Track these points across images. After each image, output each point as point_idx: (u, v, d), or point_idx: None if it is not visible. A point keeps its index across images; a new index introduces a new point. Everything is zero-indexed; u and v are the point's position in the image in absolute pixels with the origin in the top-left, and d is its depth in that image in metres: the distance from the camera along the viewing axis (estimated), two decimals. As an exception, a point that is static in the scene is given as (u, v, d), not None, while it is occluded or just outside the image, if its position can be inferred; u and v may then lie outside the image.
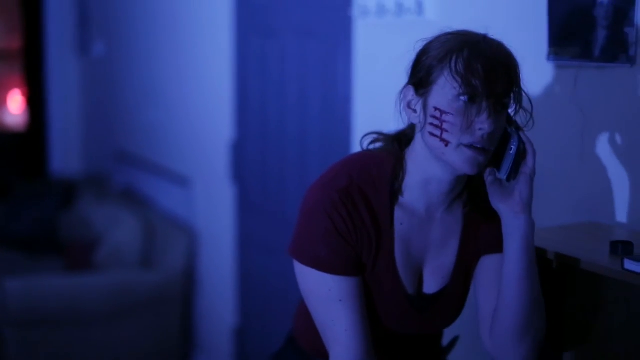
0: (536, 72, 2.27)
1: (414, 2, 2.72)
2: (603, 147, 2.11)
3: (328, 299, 1.75)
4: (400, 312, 1.84)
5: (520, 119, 1.75)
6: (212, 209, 4.55)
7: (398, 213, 1.78)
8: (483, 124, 1.61)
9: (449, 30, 1.72)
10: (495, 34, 2.36)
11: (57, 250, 5.67)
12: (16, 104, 9.23)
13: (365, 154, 1.84)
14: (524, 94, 1.70)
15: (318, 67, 3.44)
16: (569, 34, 2.15)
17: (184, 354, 4.90)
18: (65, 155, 7.18)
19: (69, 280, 4.60)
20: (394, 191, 1.78)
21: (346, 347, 1.74)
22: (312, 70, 3.49)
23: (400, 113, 1.75)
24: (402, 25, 2.81)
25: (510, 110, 1.71)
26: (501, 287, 1.71)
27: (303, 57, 3.55)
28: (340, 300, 1.74)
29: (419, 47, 1.73)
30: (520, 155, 1.68)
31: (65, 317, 4.45)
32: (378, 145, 1.88)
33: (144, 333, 4.63)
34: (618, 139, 2.07)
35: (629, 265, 1.65)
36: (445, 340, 2.18)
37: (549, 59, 2.21)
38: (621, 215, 2.07)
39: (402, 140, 1.82)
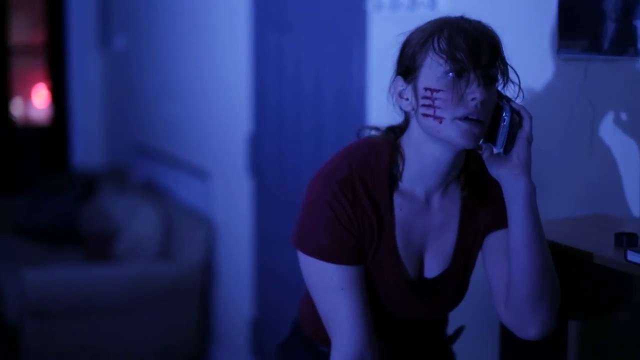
0: (546, 65, 2.28)
1: (427, -5, 2.74)
2: (612, 140, 2.12)
3: (330, 287, 1.78)
4: (402, 297, 1.87)
5: (510, 94, 1.77)
6: (230, 202, 4.58)
7: (397, 199, 1.81)
8: (474, 93, 1.63)
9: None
10: (506, 26, 2.38)
11: (77, 242, 5.73)
12: (41, 98, 9.31)
13: (363, 143, 1.87)
14: (509, 67, 1.72)
15: (333, 61, 3.46)
16: (578, 27, 2.16)
17: (201, 346, 4.93)
18: (87, 149, 7.23)
19: (88, 272, 4.65)
20: (393, 178, 1.80)
21: (347, 335, 1.77)
22: (327, 64, 3.51)
23: (394, 106, 1.78)
24: (415, 19, 2.81)
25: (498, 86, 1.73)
26: (511, 255, 1.72)
27: (319, 51, 3.57)
28: (341, 289, 1.77)
29: (400, 40, 1.76)
30: (515, 125, 1.70)
31: (84, 308, 4.50)
32: (376, 131, 1.90)
33: (162, 324, 4.67)
34: (627, 131, 2.08)
35: (632, 256, 1.66)
36: (450, 330, 2.19)
37: (558, 52, 2.22)
38: (630, 207, 2.08)
39: (396, 130, 1.86)
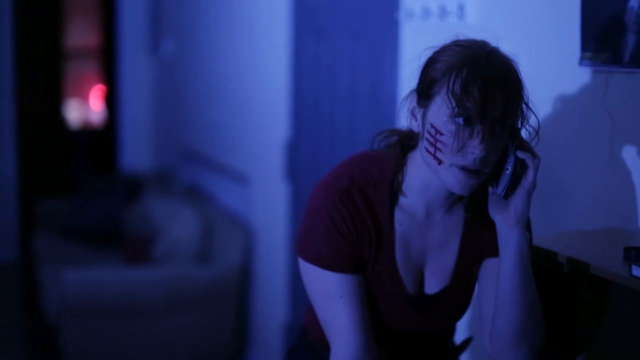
0: (568, 77, 2.26)
1: (456, 6, 2.74)
2: (632, 153, 2.09)
3: (329, 295, 1.79)
4: (400, 312, 1.87)
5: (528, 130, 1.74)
6: (268, 207, 4.61)
7: (398, 214, 1.81)
8: (475, 149, 1.60)
9: (463, 38, 1.71)
10: (529, 38, 2.38)
11: (119, 243, 5.80)
12: (97, 101, 9.46)
13: (367, 155, 1.87)
14: (528, 110, 1.68)
15: (367, 68, 3.47)
16: (600, 39, 2.14)
17: (237, 350, 4.97)
18: (135, 152, 7.32)
19: (126, 273, 4.71)
20: (394, 192, 1.80)
21: (345, 343, 1.78)
22: (361, 71, 3.52)
23: (405, 116, 1.76)
24: (445, 28, 2.83)
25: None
26: (497, 296, 1.72)
27: (353, 58, 3.59)
28: (340, 297, 1.78)
29: (429, 53, 1.72)
30: (519, 173, 1.67)
31: (122, 310, 4.55)
32: (390, 139, 1.89)
33: (199, 327, 4.70)
34: (646, 145, 2.06)
35: (637, 271, 1.64)
36: (458, 340, 2.19)
37: (581, 63, 2.20)
38: (649, 221, 2.06)
39: (404, 143, 1.84)
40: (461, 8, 2.72)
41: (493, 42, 1.70)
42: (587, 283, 1.79)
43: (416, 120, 1.71)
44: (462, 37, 1.71)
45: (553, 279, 1.81)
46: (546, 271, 1.83)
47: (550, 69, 2.32)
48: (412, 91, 1.75)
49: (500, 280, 1.71)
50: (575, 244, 1.91)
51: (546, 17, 2.37)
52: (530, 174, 1.66)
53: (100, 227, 6.04)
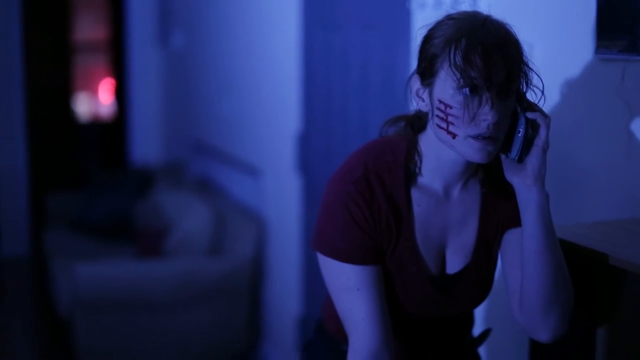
0: (584, 66, 2.24)
1: (469, -6, 2.72)
2: (649, 142, 2.08)
3: (347, 287, 1.79)
4: (423, 295, 1.86)
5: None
6: (280, 199, 4.60)
7: (415, 195, 1.81)
8: (486, 116, 1.61)
9: (453, 12, 1.73)
10: (544, 27, 2.35)
11: (131, 237, 5.80)
12: (106, 94, 9.45)
13: (378, 141, 1.87)
14: (531, 72, 1.69)
15: (378, 59, 3.45)
16: (617, 28, 2.12)
17: (250, 343, 4.96)
18: (146, 145, 7.31)
19: (138, 267, 4.70)
20: (410, 174, 1.80)
21: (363, 335, 1.78)
22: (373, 62, 3.50)
23: (411, 101, 1.77)
24: (458, 18, 2.80)
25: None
26: (522, 260, 1.72)
27: (365, 49, 3.57)
28: (358, 289, 1.78)
29: (423, 32, 1.74)
30: (530, 134, 1.68)
31: (134, 303, 4.55)
32: (399, 124, 1.89)
33: (212, 320, 4.70)
34: (664, 134, 2.04)
35: (658, 262, 1.63)
36: (477, 332, 2.17)
37: (597, 52, 2.18)
38: (668, 212, 2.04)
39: (414, 124, 1.85)
40: (474, -3, 2.70)
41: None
42: (606, 274, 1.77)
43: (423, 100, 1.72)
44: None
45: (571, 271, 1.79)
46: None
47: (566, 58, 2.30)
48: (413, 73, 1.75)
49: (524, 242, 1.70)
50: (593, 235, 1.89)
51: (561, 6, 2.34)
52: (542, 132, 1.67)
53: (111, 221, 6.03)
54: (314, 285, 4.29)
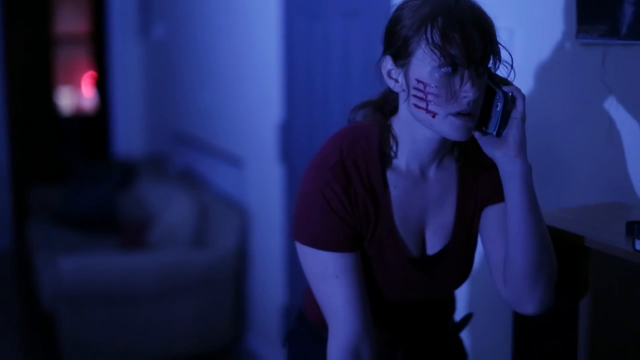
0: (564, 50, 2.24)
1: (450, -19, 2.71)
2: (630, 126, 2.08)
3: (325, 275, 1.78)
4: (405, 277, 1.86)
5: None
6: (263, 189, 4.59)
7: (391, 177, 1.81)
8: (467, 93, 1.61)
9: None
10: (525, 11, 2.35)
11: (114, 229, 5.78)
12: (88, 87, 9.41)
13: (351, 127, 1.86)
14: (501, 47, 1.69)
15: (359, 47, 3.44)
16: (597, 12, 2.12)
17: (235, 333, 4.95)
18: (128, 137, 7.28)
19: (122, 259, 4.68)
20: (385, 157, 1.80)
21: (343, 322, 1.78)
22: (353, 50, 3.50)
23: (381, 82, 1.76)
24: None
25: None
26: (508, 232, 1.72)
27: (345, 38, 3.56)
28: (336, 277, 1.77)
29: (389, 14, 1.73)
30: (509, 108, 1.68)
31: (118, 295, 4.53)
32: (365, 110, 1.88)
33: (196, 312, 4.69)
34: (645, 117, 2.04)
35: (640, 245, 1.63)
36: (458, 317, 2.18)
37: (577, 36, 2.18)
38: (649, 195, 2.04)
39: (384, 108, 1.84)
40: (455, -16, 2.69)
41: None
42: (588, 258, 1.78)
43: (397, 81, 1.71)
44: None
45: (557, 256, 1.79)
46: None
47: (547, 42, 2.30)
48: (382, 55, 1.74)
49: (509, 214, 1.71)
50: (575, 219, 1.90)
51: (541, -9, 2.34)
52: (519, 105, 1.67)
53: (94, 213, 6.01)
54: (297, 275, 4.28)
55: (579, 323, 1.81)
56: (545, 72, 2.32)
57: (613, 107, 2.10)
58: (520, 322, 1.98)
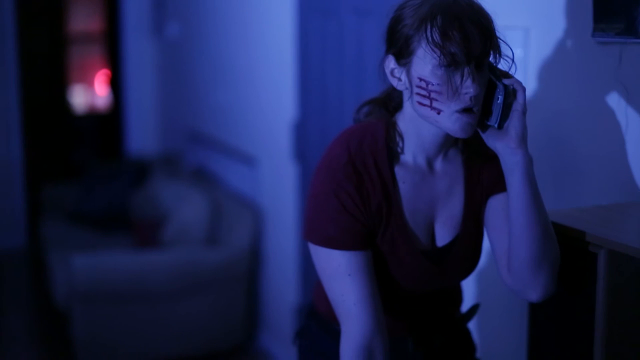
0: (581, 49, 2.23)
1: (464, -21, 2.70)
2: (647, 125, 2.06)
3: (337, 274, 1.81)
4: (417, 269, 1.88)
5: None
6: (276, 188, 4.59)
7: (399, 173, 1.84)
8: (469, 89, 1.64)
9: None
10: (543, 10, 2.34)
11: (128, 228, 5.79)
12: (101, 85, 9.43)
13: (357, 126, 1.89)
14: (501, 42, 1.71)
15: (374, 46, 3.43)
16: (613, 10, 2.10)
17: (248, 332, 4.96)
18: (142, 136, 7.29)
19: (135, 257, 4.69)
20: (392, 153, 1.83)
21: (355, 320, 1.80)
22: (368, 49, 3.49)
23: (384, 81, 1.80)
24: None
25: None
26: (510, 222, 1.75)
27: (359, 36, 3.55)
28: (349, 275, 1.80)
29: (391, 13, 1.75)
30: (509, 101, 1.70)
31: (132, 294, 4.53)
32: (369, 109, 1.93)
33: (209, 310, 4.69)
34: (662, 117, 2.02)
35: (657, 245, 1.62)
36: (465, 308, 2.18)
37: (593, 35, 2.16)
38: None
39: (388, 105, 1.89)
40: (470, -18, 2.68)
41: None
42: (604, 257, 1.77)
43: (400, 80, 1.74)
44: None
45: (570, 255, 1.79)
46: (562, 247, 1.81)
47: (563, 41, 2.29)
48: (385, 54, 1.77)
49: (511, 204, 1.73)
50: (591, 219, 1.89)
51: (557, -11, 2.33)
52: (520, 97, 1.70)
53: (108, 212, 6.02)
54: (311, 274, 4.28)
55: (595, 321, 1.80)
56: (560, 71, 2.30)
57: (630, 106, 2.09)
58: (536, 320, 1.97)
